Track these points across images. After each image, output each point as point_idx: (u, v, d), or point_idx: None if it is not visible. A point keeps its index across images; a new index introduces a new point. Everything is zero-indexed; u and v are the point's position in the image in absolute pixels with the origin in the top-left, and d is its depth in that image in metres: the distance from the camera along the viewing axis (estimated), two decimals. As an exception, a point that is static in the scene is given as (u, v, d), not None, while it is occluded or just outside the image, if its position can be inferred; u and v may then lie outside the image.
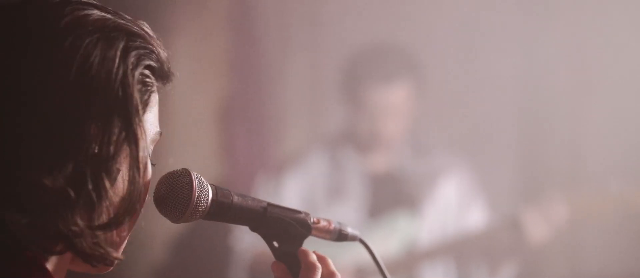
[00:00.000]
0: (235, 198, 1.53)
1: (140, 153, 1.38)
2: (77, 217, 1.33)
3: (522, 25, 4.60)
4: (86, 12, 1.39)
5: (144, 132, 1.39)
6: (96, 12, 1.40)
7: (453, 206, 4.26)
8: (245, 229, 1.60)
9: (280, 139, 4.64)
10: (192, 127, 4.46)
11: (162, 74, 1.45)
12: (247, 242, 4.14)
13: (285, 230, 1.55)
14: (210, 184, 1.51)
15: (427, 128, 4.46)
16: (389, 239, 4.20)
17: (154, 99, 1.44)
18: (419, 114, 4.36)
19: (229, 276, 4.24)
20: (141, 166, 1.38)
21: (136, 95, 1.37)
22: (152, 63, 1.42)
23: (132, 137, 1.37)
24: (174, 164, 1.55)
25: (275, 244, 1.56)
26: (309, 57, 4.61)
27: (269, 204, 1.55)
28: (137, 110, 1.37)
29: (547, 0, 4.58)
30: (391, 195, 4.26)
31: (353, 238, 1.64)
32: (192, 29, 4.51)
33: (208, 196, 1.50)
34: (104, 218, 1.35)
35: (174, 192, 1.47)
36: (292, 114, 4.62)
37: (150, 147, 1.47)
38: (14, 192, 1.32)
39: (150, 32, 1.44)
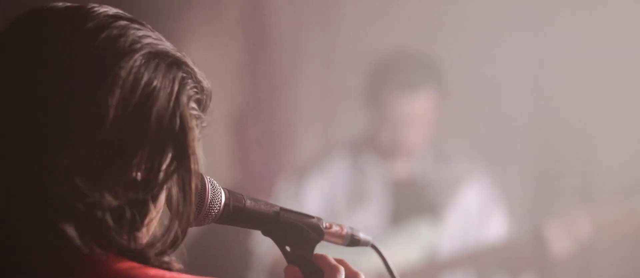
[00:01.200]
0: (248, 203, 1.54)
1: (193, 184, 1.39)
2: (125, 236, 1.35)
3: (539, 33, 4.60)
4: (133, 27, 1.37)
5: (198, 162, 1.40)
6: (137, 28, 1.38)
7: (474, 213, 4.24)
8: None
9: (294, 145, 4.64)
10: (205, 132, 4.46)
11: (204, 109, 1.45)
12: (267, 245, 4.13)
13: (298, 235, 1.56)
14: (223, 188, 1.52)
15: (447, 135, 4.45)
16: (411, 246, 4.18)
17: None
18: (441, 121, 4.35)
19: None
20: (192, 196, 1.39)
21: (194, 127, 1.38)
22: (200, 96, 1.42)
23: (185, 168, 1.38)
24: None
25: (288, 248, 1.57)
26: (322, 62, 4.61)
27: (282, 209, 1.56)
28: (193, 143, 1.38)
29: (563, 7, 4.57)
30: (413, 202, 4.24)
31: (365, 243, 1.64)
32: (206, 33, 4.52)
33: (221, 200, 1.50)
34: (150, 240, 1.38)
35: None
36: (306, 119, 4.62)
37: None
38: (71, 205, 1.32)
39: (192, 63, 1.43)
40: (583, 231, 4.19)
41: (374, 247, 1.65)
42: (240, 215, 1.53)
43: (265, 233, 1.57)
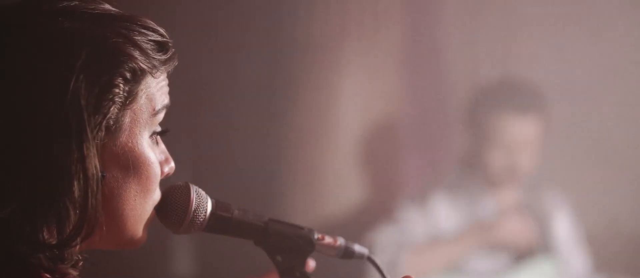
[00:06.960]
0: (236, 213, 1.58)
1: (90, 172, 1.37)
2: (42, 233, 1.37)
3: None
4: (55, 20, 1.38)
5: (92, 153, 1.37)
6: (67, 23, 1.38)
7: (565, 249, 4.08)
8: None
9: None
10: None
11: (154, 63, 1.44)
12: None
13: (289, 246, 1.59)
14: (210, 197, 1.56)
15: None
16: None
17: (141, 98, 1.43)
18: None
19: None
20: (91, 186, 1.37)
21: (85, 116, 1.36)
22: (124, 71, 1.40)
23: (80, 159, 1.36)
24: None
25: (279, 258, 1.60)
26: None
27: (271, 219, 1.59)
28: (81, 133, 1.36)
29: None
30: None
31: (360, 256, 1.65)
32: (363, 67, 4.53)
33: (206, 209, 1.55)
34: (66, 233, 1.38)
35: (172, 204, 1.53)
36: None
37: (160, 116, 1.48)
38: None
39: (135, 25, 1.42)
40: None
41: (370, 259, 1.65)
42: (228, 225, 1.57)
43: (256, 244, 1.61)
